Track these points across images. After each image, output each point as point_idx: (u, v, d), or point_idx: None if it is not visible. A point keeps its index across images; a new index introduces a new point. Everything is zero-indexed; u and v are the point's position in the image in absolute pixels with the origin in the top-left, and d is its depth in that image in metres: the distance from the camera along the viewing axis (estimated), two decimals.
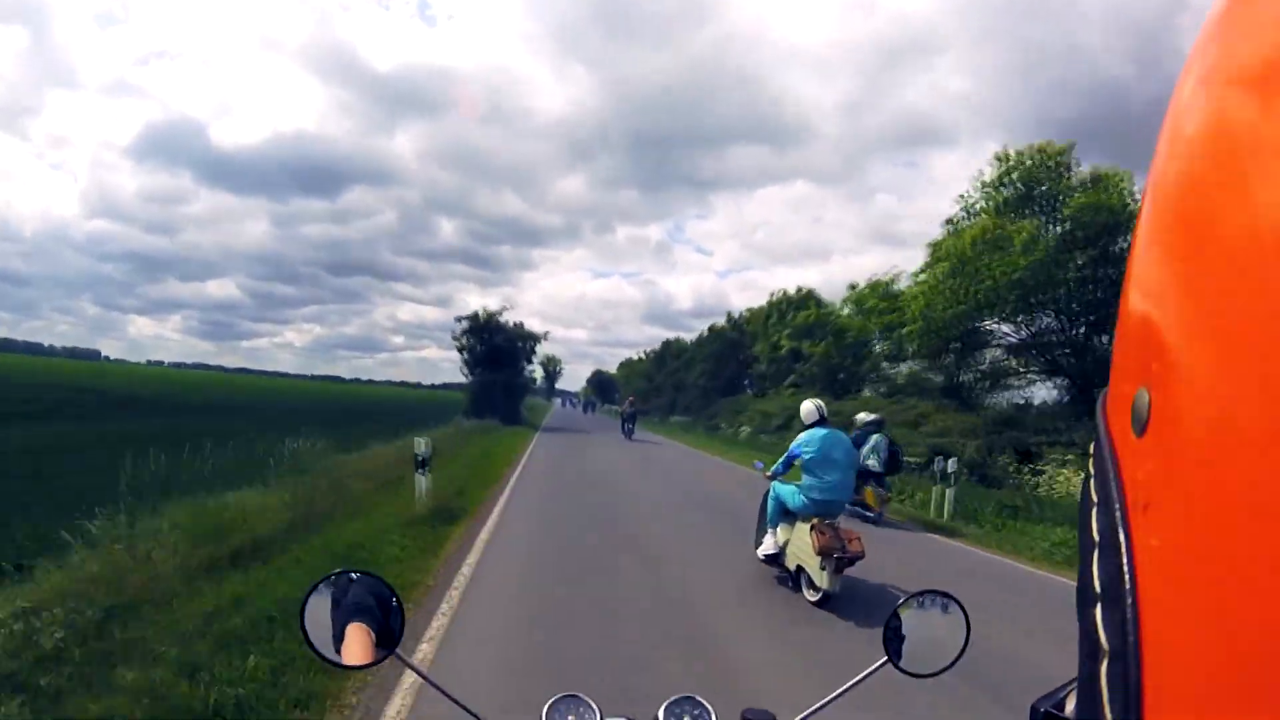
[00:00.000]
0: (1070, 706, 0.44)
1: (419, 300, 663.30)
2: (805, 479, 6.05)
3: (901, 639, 1.22)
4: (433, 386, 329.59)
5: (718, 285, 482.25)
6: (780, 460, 6.43)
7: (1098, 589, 0.33)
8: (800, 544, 5.87)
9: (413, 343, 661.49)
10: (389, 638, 1.09)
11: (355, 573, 1.11)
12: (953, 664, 1.21)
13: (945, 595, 1.25)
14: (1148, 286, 0.33)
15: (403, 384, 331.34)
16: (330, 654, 1.05)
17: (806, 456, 6.02)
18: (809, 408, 6.46)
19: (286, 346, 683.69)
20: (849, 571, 5.76)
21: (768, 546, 6.42)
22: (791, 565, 6.06)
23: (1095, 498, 0.36)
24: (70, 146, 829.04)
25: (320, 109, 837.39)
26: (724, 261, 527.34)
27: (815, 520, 5.78)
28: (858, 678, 1.20)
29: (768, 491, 6.61)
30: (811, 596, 5.71)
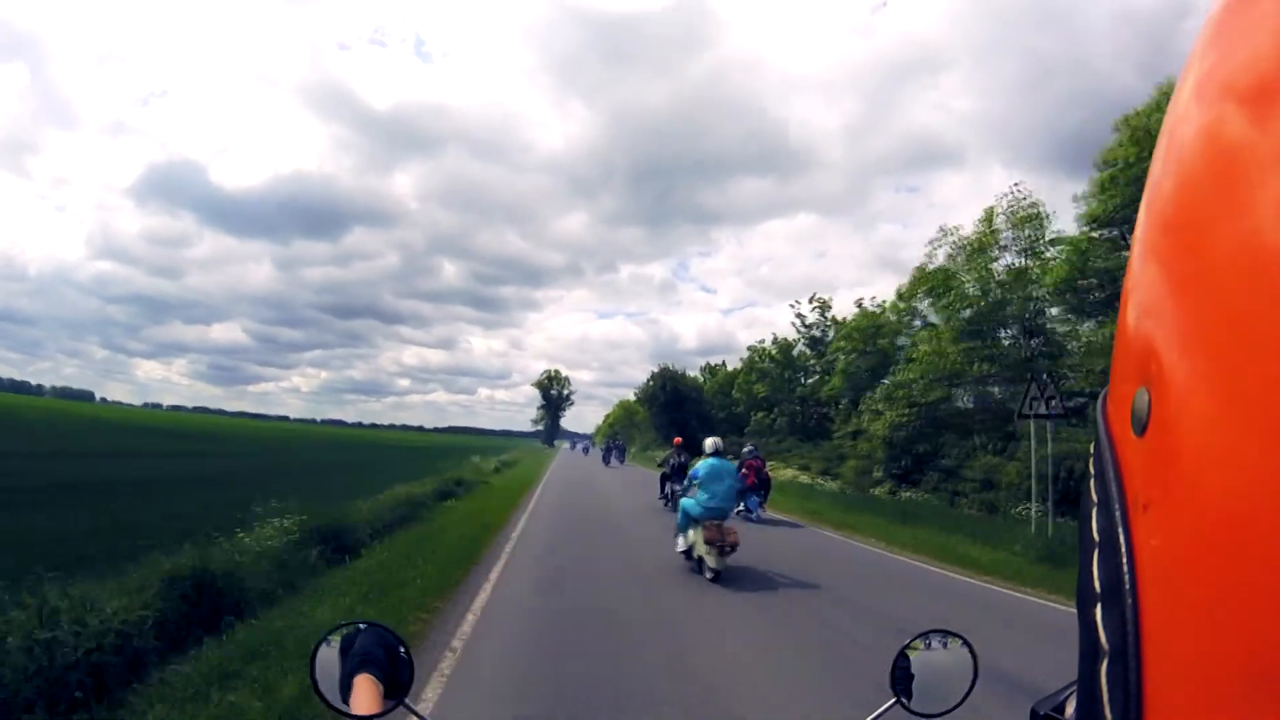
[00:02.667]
0: (1070, 709, 0.45)
1: (423, 343, 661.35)
2: (699, 494, 8.67)
3: (910, 678, 1.22)
4: (437, 430, 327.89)
5: (723, 323, 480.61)
6: (685, 483, 9.52)
7: (1098, 589, 0.33)
8: (698, 540, 8.33)
9: (419, 386, 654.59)
10: (397, 688, 1.10)
11: (364, 624, 1.15)
12: (962, 701, 1.21)
13: (951, 634, 1.26)
14: (1146, 288, 0.33)
15: (404, 427, 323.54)
16: (338, 703, 1.07)
17: (700, 476, 8.78)
18: (710, 443, 9.52)
19: (294, 391, 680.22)
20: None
21: (681, 545, 8.98)
22: (696, 555, 8.51)
23: (1095, 498, 0.36)
24: (71, 187, 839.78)
25: (319, 149, 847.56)
26: (728, 299, 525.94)
27: (707, 522, 8.27)
28: (869, 718, 1.22)
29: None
30: (709, 575, 8.15)
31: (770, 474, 17.97)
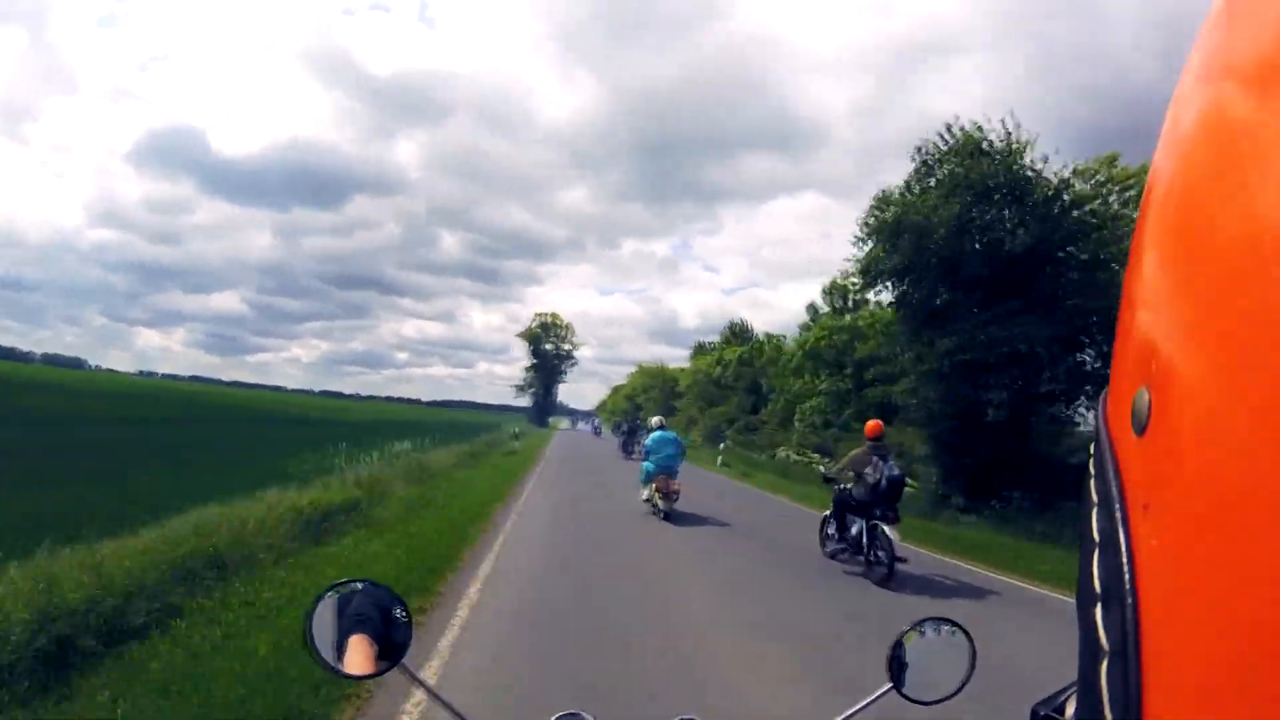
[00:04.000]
0: (1070, 709, 0.46)
1: (423, 315, 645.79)
2: (652, 457, 12.51)
3: (905, 665, 1.22)
4: (433, 404, 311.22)
5: (725, 303, 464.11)
6: (645, 453, 13.13)
7: (1098, 589, 0.33)
8: (653, 491, 12.23)
9: (417, 359, 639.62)
10: (393, 649, 1.08)
11: (361, 582, 1.12)
12: (958, 691, 1.22)
13: (950, 622, 1.26)
14: (1147, 286, 0.33)
15: (402, 400, 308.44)
16: (333, 663, 1.05)
17: (651, 445, 12.79)
18: (655, 421, 14.43)
19: (294, 362, 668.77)
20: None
21: (643, 494, 12.65)
22: (652, 502, 12.32)
23: (1095, 498, 0.36)
24: (71, 153, 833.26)
25: (321, 116, 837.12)
26: (731, 279, 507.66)
27: (659, 478, 12.11)
28: (862, 704, 1.22)
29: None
30: (659, 515, 11.91)
31: None
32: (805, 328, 32.36)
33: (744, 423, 35.67)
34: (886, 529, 7.85)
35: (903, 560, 7.82)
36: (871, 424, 8.76)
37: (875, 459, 8.19)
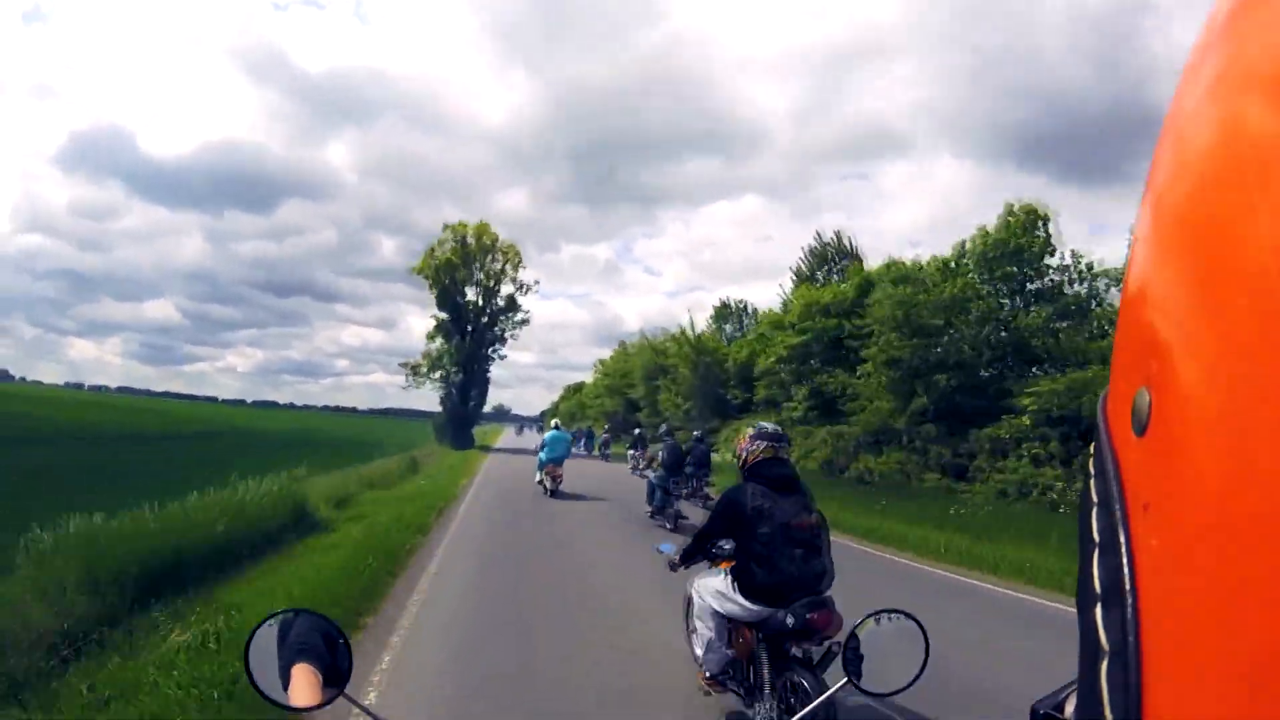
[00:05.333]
0: (1070, 709, 0.46)
1: (361, 322, 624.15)
2: (544, 451, 16.09)
3: (861, 659, 1.23)
4: (371, 413, 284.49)
5: (667, 306, 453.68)
6: (541, 444, 16.72)
7: (1098, 589, 0.33)
8: (544, 476, 15.97)
9: (357, 367, 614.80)
10: (337, 676, 1.04)
11: (300, 612, 1.10)
12: (913, 682, 1.21)
13: (903, 614, 1.28)
14: (1149, 288, 0.33)
15: (338, 409, 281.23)
16: (277, 695, 1.01)
17: (546, 442, 16.29)
18: (553, 424, 17.33)
19: (229, 371, 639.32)
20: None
21: (538, 479, 16.24)
22: (544, 484, 15.95)
23: (1095, 498, 0.36)
24: None
25: (252, 116, 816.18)
26: (673, 282, 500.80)
27: (548, 466, 15.83)
28: (818, 700, 1.25)
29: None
30: (547, 494, 15.58)
31: None
32: None
33: None
34: None
35: None
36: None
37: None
